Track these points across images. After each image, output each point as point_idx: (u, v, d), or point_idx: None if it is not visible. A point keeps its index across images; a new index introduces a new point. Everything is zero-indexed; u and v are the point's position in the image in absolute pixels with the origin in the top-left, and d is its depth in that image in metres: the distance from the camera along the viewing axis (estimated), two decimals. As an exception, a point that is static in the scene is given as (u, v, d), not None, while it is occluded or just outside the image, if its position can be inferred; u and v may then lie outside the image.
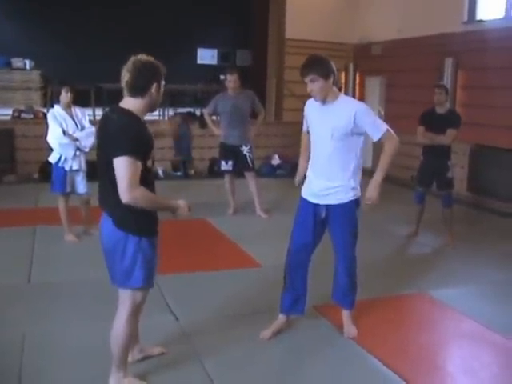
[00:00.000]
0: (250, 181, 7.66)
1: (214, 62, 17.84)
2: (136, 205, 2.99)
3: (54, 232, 6.50)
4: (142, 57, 3.11)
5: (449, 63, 9.64)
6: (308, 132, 4.19)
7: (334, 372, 3.74)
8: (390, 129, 3.91)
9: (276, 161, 11.34)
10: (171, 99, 13.25)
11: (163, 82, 3.14)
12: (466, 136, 9.29)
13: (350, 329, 4.21)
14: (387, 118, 11.42)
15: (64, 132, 6.01)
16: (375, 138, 3.88)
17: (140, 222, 3.13)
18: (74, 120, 6.13)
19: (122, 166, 2.92)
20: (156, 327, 4.15)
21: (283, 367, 3.82)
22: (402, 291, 5.21)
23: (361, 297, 4.74)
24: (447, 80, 9.61)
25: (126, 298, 3.28)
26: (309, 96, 4.00)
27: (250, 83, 13.34)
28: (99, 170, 3.16)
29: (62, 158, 6.08)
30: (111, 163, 2.97)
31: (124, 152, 2.91)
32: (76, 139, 6.05)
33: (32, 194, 8.59)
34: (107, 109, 3.33)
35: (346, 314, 4.26)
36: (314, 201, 3.98)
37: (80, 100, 11.46)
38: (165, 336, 4.11)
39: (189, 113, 11.51)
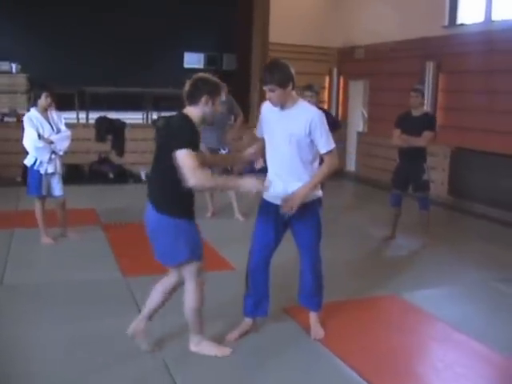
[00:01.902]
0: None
1: (201, 65, 17.90)
2: (203, 186, 3.62)
3: (31, 235, 6.52)
4: (205, 74, 3.71)
5: (430, 67, 9.73)
6: (261, 138, 4.19)
7: (297, 373, 3.76)
8: (334, 149, 3.97)
9: (259, 164, 11.33)
10: (155, 103, 13.30)
11: (220, 99, 3.67)
12: (447, 139, 9.38)
13: (316, 330, 4.23)
14: (370, 121, 11.52)
15: (39, 135, 6.03)
16: (321, 151, 3.94)
17: (175, 207, 3.59)
18: (50, 123, 6.15)
19: (185, 157, 3.42)
20: (124, 328, 4.15)
21: (247, 369, 3.83)
22: (374, 293, 5.24)
23: (332, 298, 4.78)
24: (428, 83, 9.71)
25: (186, 274, 3.73)
26: None
27: (234, 87, 13.41)
28: (152, 165, 3.71)
29: (38, 161, 6.11)
30: (167, 155, 3.48)
31: (185, 145, 3.43)
32: (51, 142, 6.08)
33: (13, 197, 8.59)
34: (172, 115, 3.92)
35: (313, 316, 4.28)
36: (277, 202, 3.99)
37: (64, 103, 11.57)
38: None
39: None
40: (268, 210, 4.04)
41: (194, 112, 3.59)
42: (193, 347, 3.89)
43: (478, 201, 8.82)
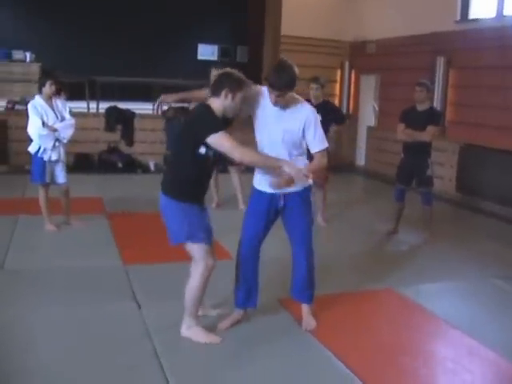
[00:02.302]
0: (233, 176, 7.70)
1: (215, 57, 17.89)
2: (249, 161, 3.79)
3: (35, 221, 6.57)
4: (231, 69, 3.80)
5: (440, 62, 9.67)
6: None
7: (286, 364, 3.77)
8: (326, 149, 4.01)
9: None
10: (165, 93, 13.33)
11: (240, 95, 3.71)
12: (456, 135, 9.33)
13: (308, 321, 4.23)
14: (381, 116, 11.46)
15: (43, 123, 6.08)
16: (313, 150, 3.98)
17: (182, 191, 3.74)
18: (54, 111, 6.20)
19: (221, 139, 3.60)
20: (116, 312, 4.22)
21: (237, 358, 3.84)
22: (371, 287, 5.22)
23: (328, 291, 4.80)
24: (439, 79, 9.66)
25: (195, 256, 3.83)
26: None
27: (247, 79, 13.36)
28: (169, 152, 3.80)
29: (41, 149, 6.17)
30: (185, 143, 3.72)
31: (216, 129, 3.60)
32: (55, 130, 6.13)
33: (22, 184, 8.65)
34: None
35: (305, 307, 4.29)
36: (270, 191, 4.00)
37: (75, 93, 11.61)
38: (123, 322, 4.19)
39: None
40: (259, 199, 4.06)
41: (215, 103, 3.71)
42: (184, 331, 3.94)
43: (487, 198, 8.74)
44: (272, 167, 3.82)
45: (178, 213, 3.76)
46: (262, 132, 4.01)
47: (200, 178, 3.82)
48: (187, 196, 3.76)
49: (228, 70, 3.80)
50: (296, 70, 3.85)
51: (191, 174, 3.73)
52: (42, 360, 3.66)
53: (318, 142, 3.94)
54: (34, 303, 4.51)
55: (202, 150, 3.64)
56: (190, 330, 3.92)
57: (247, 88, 3.76)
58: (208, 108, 3.70)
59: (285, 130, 3.89)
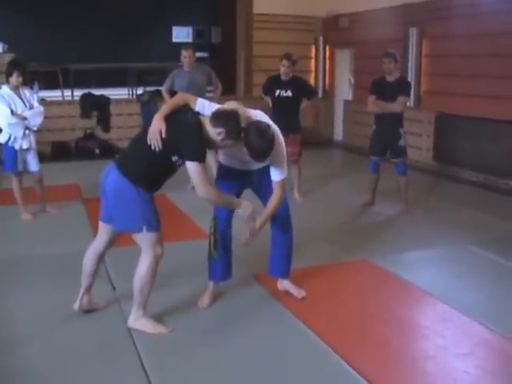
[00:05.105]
0: (209, 156, 7.66)
1: (190, 39, 17.80)
2: (210, 201, 3.67)
3: (11, 212, 6.54)
4: (238, 115, 3.61)
5: (413, 33, 9.67)
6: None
7: (261, 338, 3.80)
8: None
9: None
10: (140, 78, 13.27)
11: (229, 143, 3.65)
12: (432, 105, 9.36)
13: (298, 291, 4.33)
14: (357, 89, 11.47)
15: (12, 112, 6.04)
16: (273, 178, 3.93)
17: (144, 180, 3.60)
18: (22, 100, 6.16)
19: (196, 170, 3.52)
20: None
21: (210, 334, 3.86)
22: (348, 259, 5.27)
23: (305, 264, 4.83)
24: (412, 50, 9.67)
25: (145, 244, 3.71)
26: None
27: (221, 59, 13.34)
28: (138, 139, 3.70)
29: (12, 138, 6.13)
30: (163, 145, 3.51)
31: (198, 158, 3.53)
32: (24, 118, 6.09)
33: (-2, 176, 8.60)
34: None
35: (286, 281, 4.36)
36: (241, 168, 4.04)
37: (49, 81, 11.50)
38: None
39: (156, 90, 11.46)
40: (230, 173, 4.10)
41: (209, 128, 3.58)
42: (131, 323, 3.86)
43: (463, 166, 8.81)
44: (233, 207, 3.82)
45: (136, 198, 3.61)
46: (230, 159, 4.06)
47: (163, 174, 3.72)
48: (146, 183, 3.63)
49: (238, 114, 3.62)
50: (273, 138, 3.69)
51: (155, 168, 3.64)
52: (20, 342, 3.71)
53: (279, 171, 3.89)
54: (11, 291, 4.52)
55: (175, 158, 3.58)
56: (138, 322, 3.83)
57: (238, 142, 3.65)
58: (200, 129, 3.57)
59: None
